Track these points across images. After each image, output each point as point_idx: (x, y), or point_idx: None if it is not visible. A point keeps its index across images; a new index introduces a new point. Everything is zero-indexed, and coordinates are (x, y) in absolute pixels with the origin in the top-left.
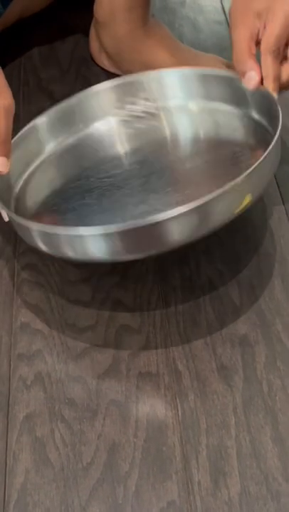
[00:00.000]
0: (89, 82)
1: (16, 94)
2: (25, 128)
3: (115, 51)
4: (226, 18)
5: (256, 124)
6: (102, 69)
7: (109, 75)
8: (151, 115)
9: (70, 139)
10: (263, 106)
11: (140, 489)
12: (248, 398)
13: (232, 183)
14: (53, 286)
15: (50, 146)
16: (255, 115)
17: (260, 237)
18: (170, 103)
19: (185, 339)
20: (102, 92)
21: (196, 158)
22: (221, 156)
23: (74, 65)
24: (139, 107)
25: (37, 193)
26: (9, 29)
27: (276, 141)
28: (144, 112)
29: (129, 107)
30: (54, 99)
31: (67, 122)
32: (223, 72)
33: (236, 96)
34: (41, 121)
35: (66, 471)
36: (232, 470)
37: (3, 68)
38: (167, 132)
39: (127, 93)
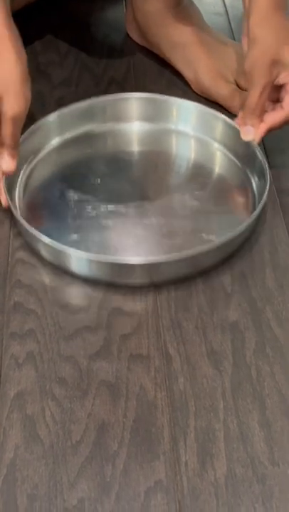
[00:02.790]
0: (87, 68)
1: None
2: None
3: (144, 24)
4: (226, 10)
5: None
6: (102, 57)
7: (109, 63)
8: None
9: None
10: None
11: (128, 468)
12: (237, 383)
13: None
14: (47, 268)
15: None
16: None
17: (253, 227)
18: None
19: (176, 323)
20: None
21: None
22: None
23: (73, 50)
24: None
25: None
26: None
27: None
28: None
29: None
30: (52, 83)
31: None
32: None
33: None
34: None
35: (55, 448)
36: (219, 452)
37: None
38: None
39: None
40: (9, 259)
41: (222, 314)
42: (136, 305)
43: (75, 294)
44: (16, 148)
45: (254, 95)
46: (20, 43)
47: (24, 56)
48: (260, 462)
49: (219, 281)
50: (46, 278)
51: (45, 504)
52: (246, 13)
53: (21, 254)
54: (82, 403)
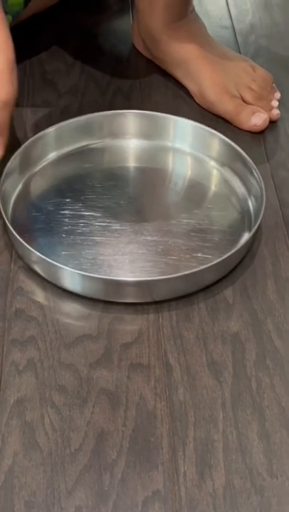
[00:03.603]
0: (93, 78)
1: (20, 85)
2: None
3: (149, 38)
4: (232, 24)
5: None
6: (109, 67)
7: (115, 74)
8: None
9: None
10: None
11: (126, 477)
12: (237, 394)
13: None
14: (44, 277)
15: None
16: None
17: (256, 239)
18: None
19: (177, 333)
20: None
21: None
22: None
23: (80, 60)
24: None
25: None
26: (20, 22)
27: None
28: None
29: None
30: (58, 92)
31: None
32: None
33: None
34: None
35: (54, 456)
36: (218, 463)
37: None
38: (168, 172)
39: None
40: (11, 266)
41: (223, 325)
42: (137, 314)
43: (77, 303)
44: (3, 135)
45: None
46: (7, 31)
47: (11, 44)
48: (259, 474)
49: (221, 292)
50: (48, 286)
51: (42, 511)
52: None
53: (24, 262)
54: (82, 411)
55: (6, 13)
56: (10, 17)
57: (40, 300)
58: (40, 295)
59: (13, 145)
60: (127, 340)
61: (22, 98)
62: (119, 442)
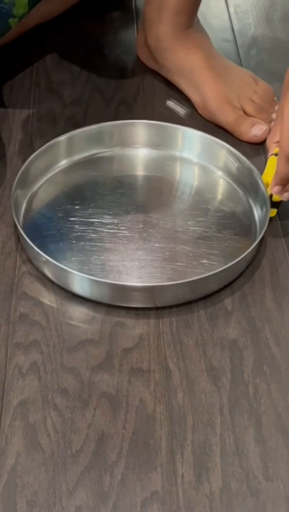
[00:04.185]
0: (98, 89)
1: (27, 95)
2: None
3: (155, 47)
4: (234, 37)
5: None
6: (113, 78)
7: (120, 84)
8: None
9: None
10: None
11: (126, 478)
12: (234, 399)
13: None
14: (53, 280)
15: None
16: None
17: (255, 248)
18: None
19: (177, 339)
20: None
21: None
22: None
23: (85, 70)
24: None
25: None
26: (26, 31)
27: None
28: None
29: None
30: (63, 102)
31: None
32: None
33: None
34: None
35: (56, 457)
36: (215, 466)
37: (16, 69)
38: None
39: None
40: (16, 272)
41: (222, 332)
42: (138, 320)
43: (80, 308)
44: None
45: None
46: None
47: None
48: (255, 477)
49: (220, 300)
50: (52, 291)
51: (44, 510)
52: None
53: (28, 267)
54: (83, 414)
55: (12, 15)
56: (16, 19)
57: (43, 305)
58: (43, 300)
59: (24, 153)
60: (128, 345)
61: (28, 107)
62: (120, 444)
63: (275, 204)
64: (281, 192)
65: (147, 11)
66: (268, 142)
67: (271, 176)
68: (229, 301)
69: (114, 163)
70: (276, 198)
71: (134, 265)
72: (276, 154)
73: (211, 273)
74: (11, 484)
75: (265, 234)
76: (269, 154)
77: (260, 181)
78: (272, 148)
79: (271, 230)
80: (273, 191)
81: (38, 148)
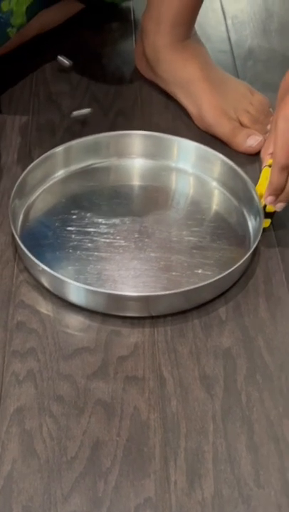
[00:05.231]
0: (97, 99)
1: (26, 104)
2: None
3: (153, 58)
4: (231, 48)
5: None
6: (111, 89)
7: (118, 95)
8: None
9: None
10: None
11: (120, 485)
12: (227, 407)
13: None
14: (49, 289)
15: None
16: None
17: (249, 258)
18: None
19: (171, 348)
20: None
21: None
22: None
23: (84, 81)
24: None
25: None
26: (25, 42)
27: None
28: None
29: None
30: (62, 113)
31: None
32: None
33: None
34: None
35: (51, 463)
36: (207, 473)
37: (16, 79)
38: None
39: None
40: (14, 280)
41: (216, 340)
42: (133, 329)
43: (76, 316)
44: None
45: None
46: None
47: None
48: (246, 484)
49: (214, 309)
50: (48, 300)
51: None
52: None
53: (26, 276)
54: (78, 421)
55: (10, 25)
56: (14, 29)
57: (40, 313)
58: (40, 308)
59: (23, 162)
60: (123, 354)
61: (27, 117)
62: (114, 451)
63: (268, 214)
64: (274, 202)
65: (145, 22)
66: (262, 154)
67: (265, 186)
68: (223, 310)
69: (110, 174)
70: (270, 208)
71: (129, 274)
72: (270, 165)
73: (206, 283)
74: (7, 490)
75: (258, 244)
76: (263, 165)
77: (254, 192)
78: (266, 159)
79: (265, 240)
80: (267, 201)
81: (37, 157)
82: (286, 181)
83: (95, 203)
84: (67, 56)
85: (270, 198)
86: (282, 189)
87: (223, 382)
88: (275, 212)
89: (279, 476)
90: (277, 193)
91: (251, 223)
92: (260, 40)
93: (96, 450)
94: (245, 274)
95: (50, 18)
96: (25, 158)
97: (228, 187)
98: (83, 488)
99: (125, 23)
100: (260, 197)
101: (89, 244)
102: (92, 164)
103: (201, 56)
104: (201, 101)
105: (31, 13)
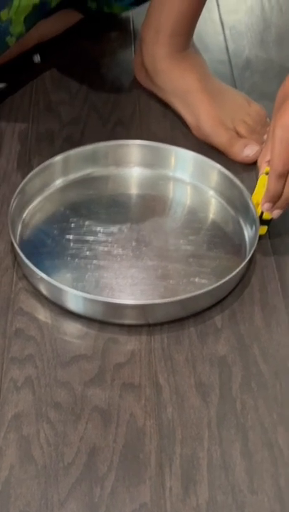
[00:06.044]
0: (96, 108)
1: (26, 114)
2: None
3: (152, 68)
4: (229, 58)
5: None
6: (110, 98)
7: (117, 104)
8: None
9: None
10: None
11: (115, 490)
12: (222, 414)
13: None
14: (48, 297)
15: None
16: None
17: (245, 267)
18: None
19: (168, 355)
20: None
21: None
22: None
23: (83, 90)
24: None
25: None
26: (25, 51)
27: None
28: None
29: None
30: (61, 121)
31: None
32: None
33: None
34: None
35: (48, 469)
36: (202, 479)
37: (16, 88)
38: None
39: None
40: (13, 288)
41: (211, 348)
42: (130, 336)
43: (74, 324)
44: None
45: (283, 138)
46: None
47: None
48: (240, 490)
49: (210, 317)
50: (47, 307)
51: None
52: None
53: (24, 284)
54: (75, 427)
55: (9, 33)
56: (13, 38)
57: (38, 320)
58: (39, 316)
59: (22, 170)
60: (120, 361)
61: (26, 126)
62: (110, 457)
63: (265, 222)
64: (271, 209)
65: (144, 32)
66: (258, 161)
67: (261, 194)
68: (219, 318)
69: (109, 182)
70: (266, 215)
71: (127, 282)
72: (267, 173)
73: (202, 291)
74: (5, 495)
75: (254, 253)
76: (260, 173)
77: (250, 202)
78: (263, 167)
79: (261, 248)
80: (264, 208)
81: (36, 165)
82: (283, 188)
83: (94, 212)
84: (67, 65)
85: (267, 205)
86: (279, 196)
87: (218, 390)
88: (271, 219)
89: (272, 483)
90: (274, 200)
91: (247, 232)
92: (257, 50)
93: (92, 456)
94: (241, 282)
95: (50, 28)
96: (25, 166)
97: (224, 196)
98: (80, 493)
99: (124, 33)
100: (257, 204)
101: (87, 253)
102: (90, 173)
103: (199, 67)
104: (199, 111)
105: (30, 22)
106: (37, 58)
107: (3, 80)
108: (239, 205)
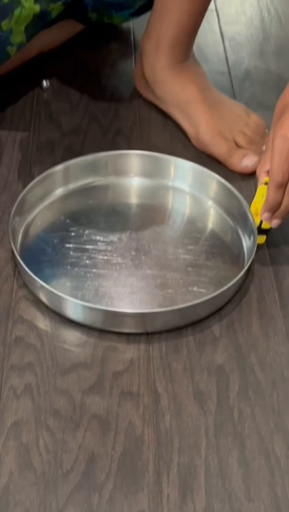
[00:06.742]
0: (96, 119)
1: (27, 124)
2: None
3: (152, 79)
4: (229, 70)
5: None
6: (111, 108)
7: (117, 115)
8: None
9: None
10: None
11: (114, 498)
12: (220, 423)
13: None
14: (48, 305)
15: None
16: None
17: (243, 277)
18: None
19: (166, 364)
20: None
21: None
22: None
23: (84, 100)
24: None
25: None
26: (27, 62)
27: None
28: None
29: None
30: (62, 131)
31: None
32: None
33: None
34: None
35: (47, 476)
36: (199, 487)
37: (17, 98)
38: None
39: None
40: (13, 296)
41: (209, 357)
42: (129, 345)
43: (73, 332)
44: None
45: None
46: None
47: None
48: (237, 498)
49: (208, 326)
50: (47, 315)
51: None
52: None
53: (24, 292)
54: (74, 435)
55: (10, 43)
56: (14, 48)
57: (38, 329)
58: (38, 324)
59: (23, 179)
60: (118, 369)
61: (28, 135)
62: (108, 465)
63: (264, 231)
64: (270, 219)
65: (145, 43)
66: (257, 171)
67: (260, 204)
68: (217, 327)
69: (108, 192)
70: (265, 225)
71: (126, 291)
72: (266, 183)
73: (200, 300)
74: (4, 502)
75: (252, 263)
76: (259, 183)
77: (248, 212)
78: (262, 177)
79: (259, 258)
80: (263, 218)
81: (37, 174)
82: (282, 198)
83: (94, 221)
84: (68, 76)
85: (266, 215)
86: (278, 206)
87: (216, 398)
88: (270, 228)
89: (269, 491)
90: (273, 209)
91: (245, 242)
92: (257, 61)
93: (91, 463)
94: (239, 292)
95: (51, 38)
96: (26, 175)
97: (223, 206)
98: (78, 500)
99: (125, 43)
100: (256, 214)
101: (87, 261)
102: (91, 182)
103: (199, 78)
104: (198, 122)
105: (30, 32)
106: (46, 83)
107: (4, 89)
108: (238, 215)
